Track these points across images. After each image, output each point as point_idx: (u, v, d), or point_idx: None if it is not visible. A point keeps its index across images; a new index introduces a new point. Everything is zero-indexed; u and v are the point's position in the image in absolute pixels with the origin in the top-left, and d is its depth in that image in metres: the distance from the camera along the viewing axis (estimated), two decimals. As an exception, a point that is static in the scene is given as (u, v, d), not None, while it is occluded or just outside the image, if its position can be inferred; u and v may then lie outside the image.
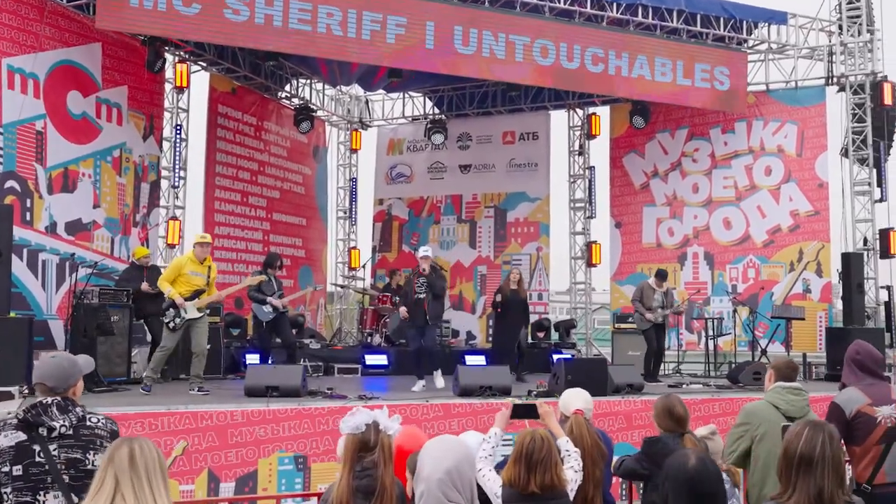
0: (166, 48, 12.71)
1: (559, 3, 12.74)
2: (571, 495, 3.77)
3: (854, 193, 13.93)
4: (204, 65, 13.93)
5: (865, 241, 13.86)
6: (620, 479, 6.59)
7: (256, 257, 14.49)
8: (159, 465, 2.78)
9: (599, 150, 16.32)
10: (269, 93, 15.62)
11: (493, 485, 3.64)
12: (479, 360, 13.46)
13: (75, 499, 3.34)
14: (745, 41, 14.47)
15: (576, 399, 4.43)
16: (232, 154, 14.57)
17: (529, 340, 13.35)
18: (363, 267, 16.38)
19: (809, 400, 4.70)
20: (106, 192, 11.82)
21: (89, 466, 3.42)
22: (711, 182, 14.99)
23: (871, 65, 13.99)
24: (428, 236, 16.89)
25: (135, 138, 12.46)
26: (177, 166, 13.14)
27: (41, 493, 3.34)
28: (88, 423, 3.51)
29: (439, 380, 9.91)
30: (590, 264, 15.94)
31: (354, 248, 17.67)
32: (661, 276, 12.13)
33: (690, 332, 14.92)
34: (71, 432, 3.43)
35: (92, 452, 3.46)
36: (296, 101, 16.24)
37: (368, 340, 14.23)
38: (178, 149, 13.16)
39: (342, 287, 16.78)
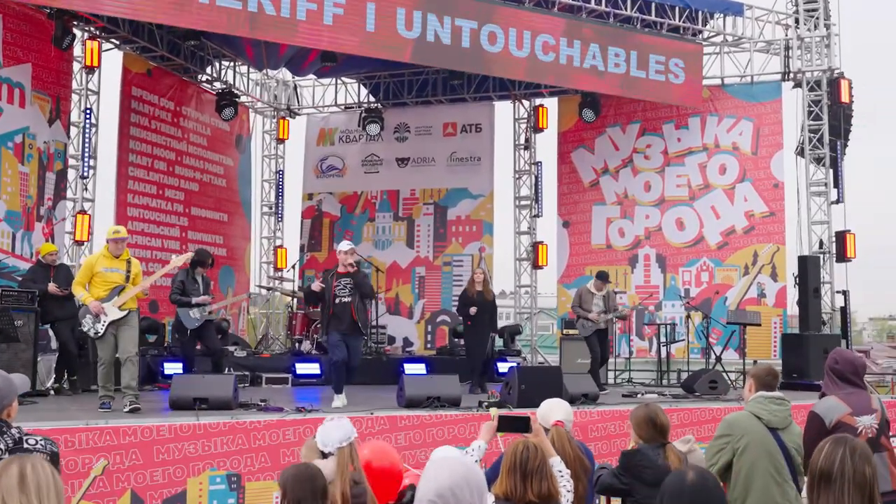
0: (75, 23, 12.34)
1: (509, -14, 12.87)
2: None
3: (810, 194, 14.43)
4: (117, 42, 13.59)
5: (821, 243, 14.37)
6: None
7: (171, 255, 14.18)
8: (54, 487, 2.63)
9: (547, 145, 16.55)
10: (189, 75, 15.35)
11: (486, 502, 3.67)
12: (420, 368, 13.49)
13: None
14: (700, 32, 14.84)
15: (556, 410, 4.50)
16: (147, 142, 14.26)
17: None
18: (292, 268, 16.18)
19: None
20: (6, 183, 11.44)
21: (32, 490, 3.31)
22: (664, 180, 15.34)
23: (827, 60, 14.50)
24: (362, 235, 16.82)
25: (39, 123, 12.08)
26: (86, 154, 12.77)
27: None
28: (26, 446, 3.43)
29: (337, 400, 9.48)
30: (536, 266, 16.13)
31: (281, 246, 17.48)
32: (602, 277, 12.24)
33: (641, 339, 15.25)
34: (7, 455, 3.32)
35: (34, 475, 3.34)
36: (218, 85, 15.98)
37: (298, 348, 14.09)
38: (87, 135, 12.78)
39: (268, 289, 16.56)
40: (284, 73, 17.02)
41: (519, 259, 16.36)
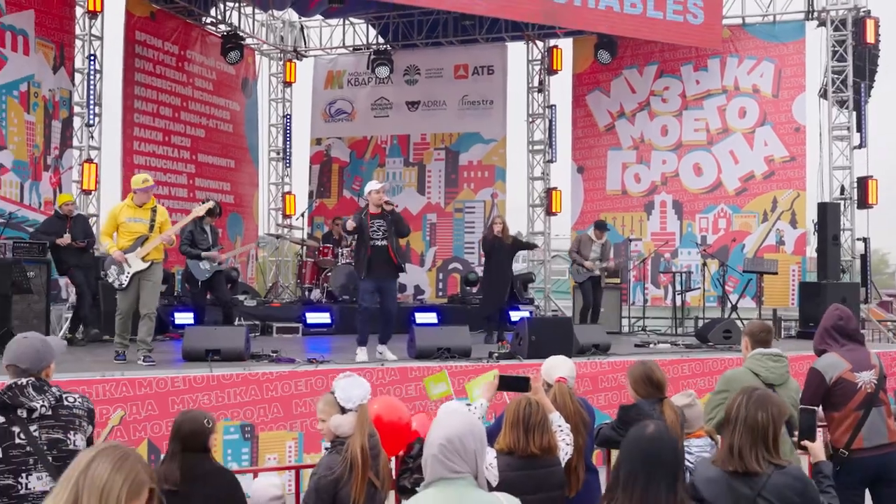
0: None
1: (521, -76, 12.94)
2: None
3: (832, 138, 14.59)
4: (119, -15, 13.80)
5: (843, 189, 14.57)
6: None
7: (181, 204, 14.61)
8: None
9: (561, 88, 16.74)
10: (193, 18, 15.55)
11: (487, 455, 4.06)
12: (431, 317, 13.93)
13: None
14: (721, -31, 14.88)
15: (560, 367, 4.84)
16: (151, 87, 14.55)
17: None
18: (301, 215, 16.54)
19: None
20: (13, 132, 11.78)
21: (71, 447, 3.72)
22: (682, 124, 15.53)
23: (853, -1, 14.55)
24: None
25: (44, 70, 12.37)
26: (91, 102, 13.07)
27: (23, 474, 3.61)
28: (66, 403, 3.79)
29: (389, 353, 9.57)
30: (549, 212, 16.41)
31: (289, 193, 17.82)
32: (601, 226, 12.84)
33: (657, 287, 15.59)
34: (50, 413, 3.71)
35: (72, 432, 3.75)
36: (222, 27, 16.17)
37: (307, 296, 14.50)
38: (91, 82, 13.07)
39: (277, 237, 16.95)
40: (290, 14, 17.18)
41: (532, 205, 16.64)
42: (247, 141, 17.18)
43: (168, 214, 9.15)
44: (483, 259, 12.71)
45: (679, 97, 15.58)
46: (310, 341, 12.27)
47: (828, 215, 13.64)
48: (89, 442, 3.87)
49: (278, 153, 18.03)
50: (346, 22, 17.52)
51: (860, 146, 14.52)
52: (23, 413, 3.68)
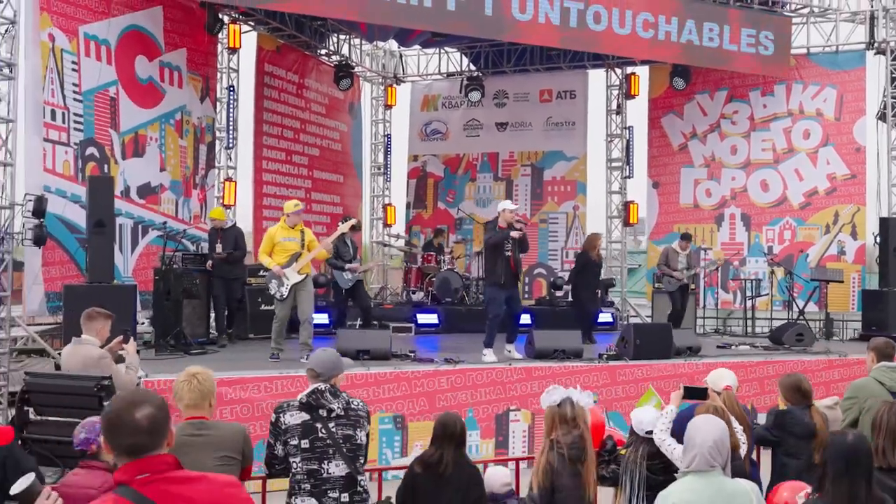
0: (222, 10, 13.27)
1: (611, -33, 13.36)
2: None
3: (891, 158, 14.81)
4: (252, 24, 14.49)
5: (901, 205, 14.80)
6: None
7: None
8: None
9: (637, 111, 17.09)
10: (310, 50, 16.21)
11: (679, 452, 4.57)
12: (526, 318, 14.40)
13: (353, 466, 4.26)
14: (788, 3, 15.17)
15: (725, 377, 5.33)
16: (277, 113, 15.24)
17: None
18: (412, 228, 17.02)
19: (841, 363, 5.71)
20: (170, 156, 12.53)
21: (359, 441, 4.35)
22: (750, 144, 15.84)
23: (912, 30, 14.75)
24: (464, 194, 17.72)
25: (193, 100, 13.12)
26: (230, 127, 13.82)
27: (325, 461, 4.24)
28: (353, 406, 4.41)
29: (516, 353, 10.19)
30: (627, 223, 16.82)
31: (389, 204, 18.42)
32: (686, 237, 13.22)
33: (726, 292, 15.91)
34: (343, 413, 4.33)
35: (359, 430, 4.37)
36: (335, 57, 16.81)
37: (411, 298, 15.09)
38: (231, 109, 13.81)
39: (385, 245, 17.60)
40: (391, 44, 17.76)
41: (610, 217, 17.05)
42: (352, 157, 17.82)
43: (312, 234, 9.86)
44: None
45: (747, 120, 15.89)
46: (421, 339, 12.79)
47: (889, 229, 13.88)
48: (367, 437, 4.47)
49: (379, 168, 18.66)
50: (442, 51, 18.07)
51: (918, 165, 14.74)
52: (323, 413, 4.29)
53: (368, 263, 12.80)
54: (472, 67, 17.88)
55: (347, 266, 10.57)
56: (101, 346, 6.24)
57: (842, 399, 5.73)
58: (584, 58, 16.82)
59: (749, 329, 14.84)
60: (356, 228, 11.08)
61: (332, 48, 16.77)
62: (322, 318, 13.38)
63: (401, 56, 18.52)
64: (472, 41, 16.83)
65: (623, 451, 4.83)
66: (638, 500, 4.61)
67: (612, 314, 15.43)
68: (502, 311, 9.88)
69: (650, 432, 4.83)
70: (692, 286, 13.78)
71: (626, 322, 14.88)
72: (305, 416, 4.28)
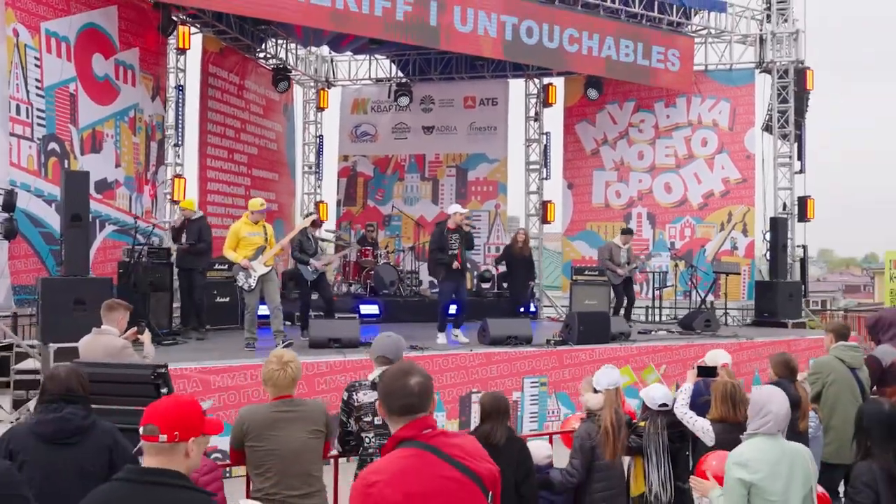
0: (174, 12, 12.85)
1: (541, -14, 13.70)
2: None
3: (777, 165, 15.79)
4: (199, 27, 14.10)
5: (785, 206, 15.79)
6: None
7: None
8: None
9: (553, 118, 17.56)
10: (249, 52, 15.89)
11: (703, 423, 4.84)
12: (373, 308, 14.45)
13: None
14: (690, 25, 15.91)
15: (722, 355, 5.64)
16: (220, 112, 14.88)
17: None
18: (342, 224, 16.93)
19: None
20: (124, 152, 12.08)
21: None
22: (655, 150, 16.53)
23: (795, 52, 15.74)
24: (393, 192, 17.74)
25: (145, 99, 12.67)
26: (178, 125, 13.41)
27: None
28: None
29: (463, 337, 10.54)
30: (544, 221, 17.24)
31: (321, 202, 18.25)
32: (628, 232, 13.66)
33: (634, 284, 16.52)
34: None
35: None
36: (272, 61, 16.53)
37: (351, 291, 15.03)
38: (179, 108, 13.41)
39: (323, 241, 17.37)
40: (323, 49, 17.61)
41: (529, 215, 17.43)
42: (286, 157, 17.57)
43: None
44: (501, 261, 13.59)
45: (652, 128, 16.56)
46: (366, 329, 12.68)
47: (778, 227, 14.81)
48: None
49: (311, 167, 18.46)
50: (372, 57, 18.02)
51: (800, 171, 15.76)
52: None
53: (330, 256, 12.65)
54: (401, 74, 17.91)
55: (311, 260, 10.46)
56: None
57: (806, 374, 6.15)
58: (505, 67, 17.12)
59: (656, 317, 15.48)
60: (316, 224, 10.99)
61: (270, 52, 16.48)
62: (373, 309, 13.64)
63: (332, 61, 18.36)
64: (401, 49, 16.84)
65: (642, 424, 5.07)
66: (662, 464, 4.86)
67: (535, 304, 15.82)
68: (448, 299, 10.51)
69: (663, 405, 5.08)
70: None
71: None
72: (377, 395, 4.31)
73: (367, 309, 13.90)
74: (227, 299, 12.22)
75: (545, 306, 17.07)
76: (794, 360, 5.74)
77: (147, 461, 2.53)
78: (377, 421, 4.26)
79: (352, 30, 12.47)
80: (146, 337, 6.32)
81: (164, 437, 2.49)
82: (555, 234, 19.04)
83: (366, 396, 4.31)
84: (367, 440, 4.29)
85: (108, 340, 5.87)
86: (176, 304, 11.17)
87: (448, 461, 2.57)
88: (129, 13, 12.16)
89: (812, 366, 6.19)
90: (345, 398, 4.37)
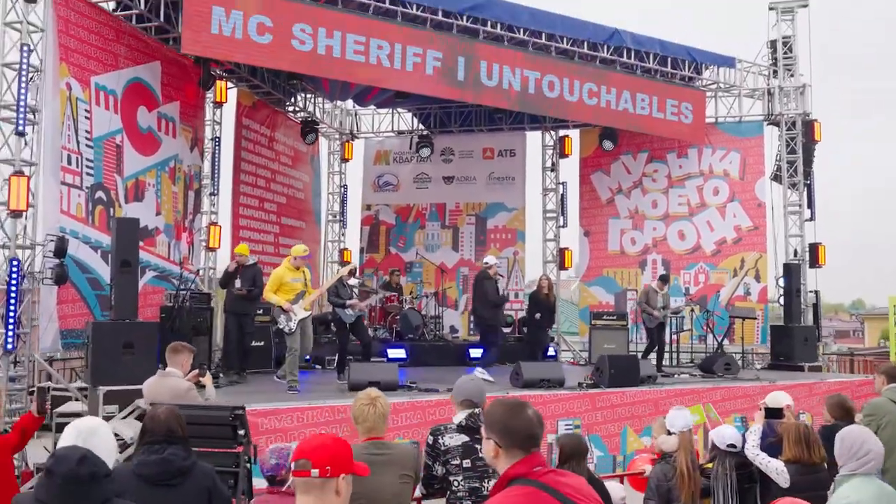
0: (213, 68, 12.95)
1: (561, 43, 13.82)
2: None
3: (787, 213, 15.77)
4: (234, 81, 14.20)
5: (796, 252, 15.72)
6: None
7: (270, 258, 14.90)
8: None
9: (570, 168, 17.59)
10: (279, 106, 15.98)
11: (777, 464, 4.70)
12: (479, 352, 14.45)
13: None
14: (701, 80, 16.04)
15: (784, 397, 5.52)
16: (252, 163, 14.92)
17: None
18: (364, 270, 16.86)
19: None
20: (164, 201, 12.05)
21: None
22: (668, 199, 16.54)
23: (802, 105, 15.83)
24: (414, 240, 17.70)
25: (184, 150, 12.69)
26: (215, 175, 13.43)
27: (486, 479, 4.14)
28: None
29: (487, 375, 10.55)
30: (561, 267, 17.17)
31: (345, 249, 18.20)
32: (664, 279, 13.55)
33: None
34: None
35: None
36: (301, 114, 16.63)
37: (377, 335, 14.85)
38: (216, 159, 13.44)
39: (366, 290, 17.28)
40: (348, 103, 17.73)
41: (546, 262, 17.36)
42: (312, 206, 17.57)
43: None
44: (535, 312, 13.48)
45: (665, 178, 16.60)
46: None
47: (792, 273, 14.72)
48: None
49: (335, 216, 18.44)
50: (394, 111, 18.14)
51: (811, 219, 15.73)
52: (480, 435, 4.20)
53: (368, 300, 12.56)
54: (422, 127, 18.01)
55: (349, 302, 10.37)
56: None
57: (862, 416, 6.00)
58: (522, 120, 17.24)
59: (673, 361, 15.29)
60: (353, 273, 10.94)
61: (299, 105, 16.59)
62: (400, 353, 13.36)
63: (356, 114, 18.49)
64: (422, 103, 16.98)
65: (709, 465, 4.92)
66: (731, 506, 4.71)
67: (554, 348, 15.67)
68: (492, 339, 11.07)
69: (731, 446, 4.94)
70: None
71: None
72: (465, 438, 4.19)
73: (394, 353, 13.73)
74: (262, 343, 12.07)
75: (563, 350, 16.90)
76: (849, 401, 5.62)
77: (299, 500, 2.41)
78: (466, 464, 4.14)
79: (386, 84, 12.52)
80: (207, 379, 6.21)
81: (315, 472, 2.38)
82: (567, 281, 18.93)
83: (452, 440, 4.19)
84: (455, 483, 4.15)
85: (174, 382, 5.75)
86: (215, 349, 11.01)
87: (564, 501, 2.48)
88: (172, 68, 12.24)
89: (866, 407, 6.05)
90: (430, 442, 4.24)
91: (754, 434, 4.98)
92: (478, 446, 4.18)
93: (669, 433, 4.77)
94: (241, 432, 4.63)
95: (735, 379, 12.27)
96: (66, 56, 9.77)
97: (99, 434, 2.85)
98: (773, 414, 5.15)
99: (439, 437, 4.21)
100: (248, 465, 4.59)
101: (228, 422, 4.64)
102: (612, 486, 4.92)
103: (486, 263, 11.44)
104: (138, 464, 3.47)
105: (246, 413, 4.76)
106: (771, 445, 5.00)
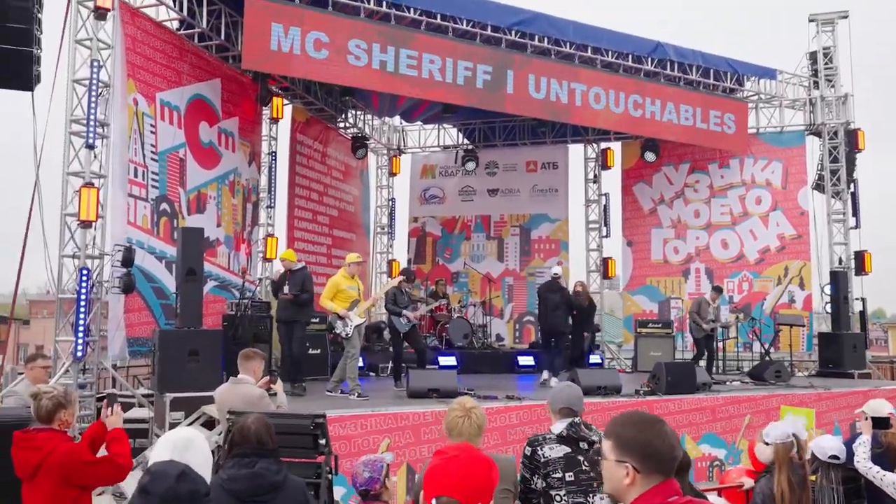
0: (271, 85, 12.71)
1: (606, 56, 13.37)
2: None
3: (831, 221, 15.06)
4: (290, 98, 13.95)
5: (840, 260, 15.00)
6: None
7: (323, 269, 14.57)
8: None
9: (612, 179, 17.07)
10: (331, 122, 15.71)
11: (893, 478, 4.17)
12: (529, 359, 14.00)
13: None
14: (742, 91, 15.45)
15: (885, 405, 4.97)
16: (306, 177, 14.64)
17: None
18: (424, 283, 16.45)
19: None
20: (225, 213, 11.79)
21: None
22: (710, 209, 15.92)
23: (844, 115, 15.15)
24: (460, 251, 17.28)
25: (243, 164, 12.44)
26: (271, 188, 13.15)
27: (590, 495, 3.67)
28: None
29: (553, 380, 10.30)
30: (605, 277, 16.61)
31: (393, 260, 17.84)
32: (717, 290, 12.97)
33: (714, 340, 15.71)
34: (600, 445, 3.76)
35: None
36: (352, 130, 16.34)
37: (426, 343, 14.43)
38: (272, 173, 13.17)
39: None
40: (395, 120, 17.42)
41: (590, 271, 16.82)
42: (362, 219, 17.24)
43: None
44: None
45: (707, 188, 15.99)
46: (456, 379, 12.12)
47: (839, 281, 13.99)
48: None
49: (384, 228, 18.10)
50: (440, 127, 17.78)
51: (856, 227, 15.00)
52: (584, 445, 3.73)
53: (422, 308, 12.15)
54: (467, 141, 17.62)
55: (404, 311, 9.96)
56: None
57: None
58: (565, 133, 16.76)
59: (720, 369, 14.61)
60: (410, 279, 10.51)
61: (349, 122, 16.31)
62: (451, 361, 12.85)
63: (403, 130, 18.16)
64: (467, 118, 16.60)
65: (813, 477, 4.39)
66: (839, 523, 4.18)
67: (601, 356, 15.09)
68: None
69: (834, 457, 4.41)
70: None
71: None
72: (567, 449, 3.72)
73: (445, 360, 13.26)
74: (318, 351, 11.70)
75: (608, 358, 16.31)
76: (888, 406, 5.04)
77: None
78: (568, 477, 3.68)
79: (437, 97, 12.15)
80: (279, 386, 5.82)
81: None
82: (609, 293, 18.32)
83: (553, 451, 3.73)
84: (557, 498, 3.68)
85: (246, 389, 5.37)
86: (275, 357, 10.64)
87: None
88: (231, 85, 12.02)
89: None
90: (527, 453, 3.78)
91: (864, 446, 4.45)
92: (580, 458, 3.73)
93: (766, 444, 4.25)
94: (323, 441, 4.21)
95: (788, 386, 11.61)
96: (133, 72, 9.55)
97: (195, 447, 2.44)
98: (879, 424, 4.61)
99: (538, 449, 3.75)
100: (330, 476, 4.17)
101: (309, 430, 4.23)
102: (716, 502, 4.41)
103: (556, 274, 11.23)
104: (228, 478, 3.06)
105: (327, 421, 4.34)
106: (877, 457, 4.47)
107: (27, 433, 3.62)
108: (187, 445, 2.42)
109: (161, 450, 2.40)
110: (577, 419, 3.80)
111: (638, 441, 2.13)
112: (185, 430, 2.63)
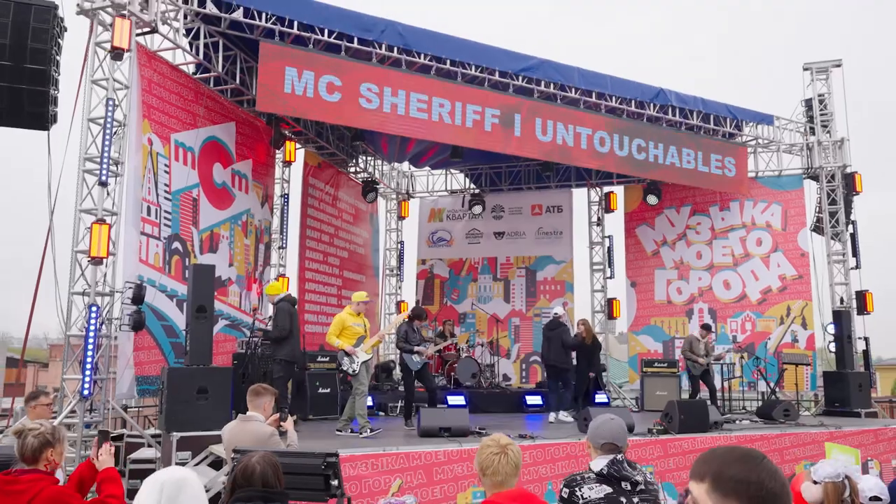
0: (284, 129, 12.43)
1: (610, 101, 13.11)
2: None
3: (832, 262, 14.61)
4: (302, 142, 13.67)
5: (842, 300, 14.50)
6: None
7: (333, 309, 14.11)
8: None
9: (615, 222, 16.70)
10: (342, 166, 15.42)
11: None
12: (537, 399, 13.42)
13: None
14: (741, 136, 15.15)
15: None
16: (317, 220, 14.27)
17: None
18: (431, 323, 16.00)
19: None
20: (237, 252, 11.38)
21: (659, 517, 3.27)
22: (712, 250, 15.49)
23: (841, 158, 14.82)
24: (467, 292, 16.80)
25: (256, 205, 12.08)
26: (284, 230, 12.76)
27: (632, 540, 3.16)
28: (649, 479, 3.35)
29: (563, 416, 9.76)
30: (610, 317, 16.11)
31: (402, 301, 17.37)
32: (707, 328, 12.46)
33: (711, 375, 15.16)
34: (644, 487, 3.27)
35: (659, 504, 3.31)
36: (362, 175, 16.05)
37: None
38: (284, 215, 12.80)
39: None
40: (404, 165, 17.14)
41: (595, 311, 16.33)
42: (371, 261, 16.83)
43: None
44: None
45: (709, 230, 15.59)
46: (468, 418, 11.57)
47: (842, 320, 13.46)
48: None
49: (392, 270, 17.68)
50: (448, 172, 17.49)
51: (856, 267, 14.54)
52: (626, 486, 3.23)
53: (431, 348, 11.60)
54: (474, 186, 17.31)
55: (416, 349, 9.47)
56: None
57: None
58: (569, 177, 16.46)
59: (725, 408, 14.00)
60: (419, 318, 10.00)
61: (360, 166, 16.02)
62: (459, 400, 12.26)
63: (412, 175, 17.87)
64: (474, 163, 16.32)
65: (858, 521, 3.86)
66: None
67: (607, 395, 14.48)
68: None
69: (875, 498, 3.89)
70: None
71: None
72: (608, 489, 3.22)
73: (454, 399, 12.70)
74: (328, 390, 11.17)
75: (613, 398, 15.68)
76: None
77: None
78: (609, 520, 3.16)
79: (446, 139, 11.82)
80: (289, 424, 5.30)
81: None
82: (612, 333, 17.78)
83: (592, 491, 3.22)
84: (598, 540, 3.17)
85: (256, 427, 4.87)
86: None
87: None
88: (245, 129, 11.73)
89: None
90: (565, 495, 3.27)
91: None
92: (622, 499, 3.21)
93: (815, 482, 3.75)
94: (335, 483, 3.70)
95: (797, 425, 10.99)
96: (148, 113, 9.25)
97: (187, 489, 1.97)
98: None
99: (576, 489, 3.24)
100: (343, 520, 3.65)
101: (321, 471, 3.73)
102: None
103: (557, 314, 10.93)
104: (227, 526, 2.57)
105: (339, 461, 3.83)
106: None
107: (9, 475, 3.13)
108: (179, 487, 1.95)
109: (148, 493, 1.93)
110: (619, 456, 3.31)
111: (748, 482, 1.60)
112: (177, 469, 2.15)
